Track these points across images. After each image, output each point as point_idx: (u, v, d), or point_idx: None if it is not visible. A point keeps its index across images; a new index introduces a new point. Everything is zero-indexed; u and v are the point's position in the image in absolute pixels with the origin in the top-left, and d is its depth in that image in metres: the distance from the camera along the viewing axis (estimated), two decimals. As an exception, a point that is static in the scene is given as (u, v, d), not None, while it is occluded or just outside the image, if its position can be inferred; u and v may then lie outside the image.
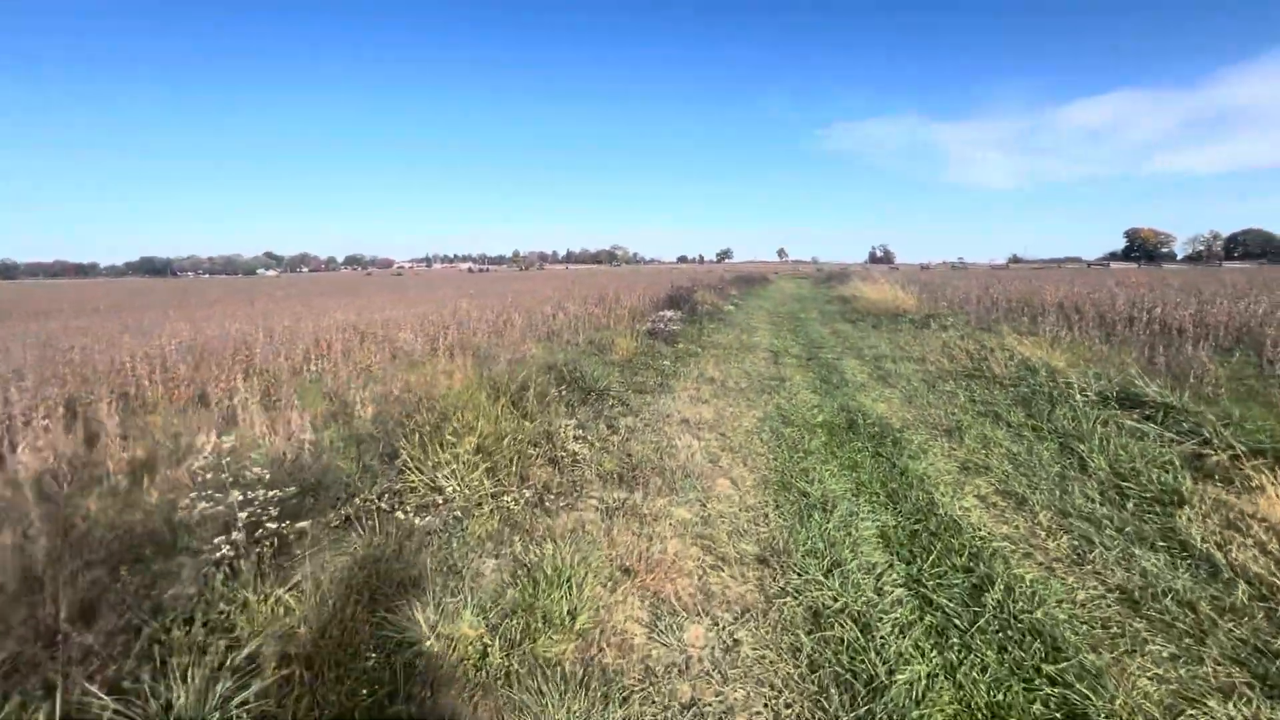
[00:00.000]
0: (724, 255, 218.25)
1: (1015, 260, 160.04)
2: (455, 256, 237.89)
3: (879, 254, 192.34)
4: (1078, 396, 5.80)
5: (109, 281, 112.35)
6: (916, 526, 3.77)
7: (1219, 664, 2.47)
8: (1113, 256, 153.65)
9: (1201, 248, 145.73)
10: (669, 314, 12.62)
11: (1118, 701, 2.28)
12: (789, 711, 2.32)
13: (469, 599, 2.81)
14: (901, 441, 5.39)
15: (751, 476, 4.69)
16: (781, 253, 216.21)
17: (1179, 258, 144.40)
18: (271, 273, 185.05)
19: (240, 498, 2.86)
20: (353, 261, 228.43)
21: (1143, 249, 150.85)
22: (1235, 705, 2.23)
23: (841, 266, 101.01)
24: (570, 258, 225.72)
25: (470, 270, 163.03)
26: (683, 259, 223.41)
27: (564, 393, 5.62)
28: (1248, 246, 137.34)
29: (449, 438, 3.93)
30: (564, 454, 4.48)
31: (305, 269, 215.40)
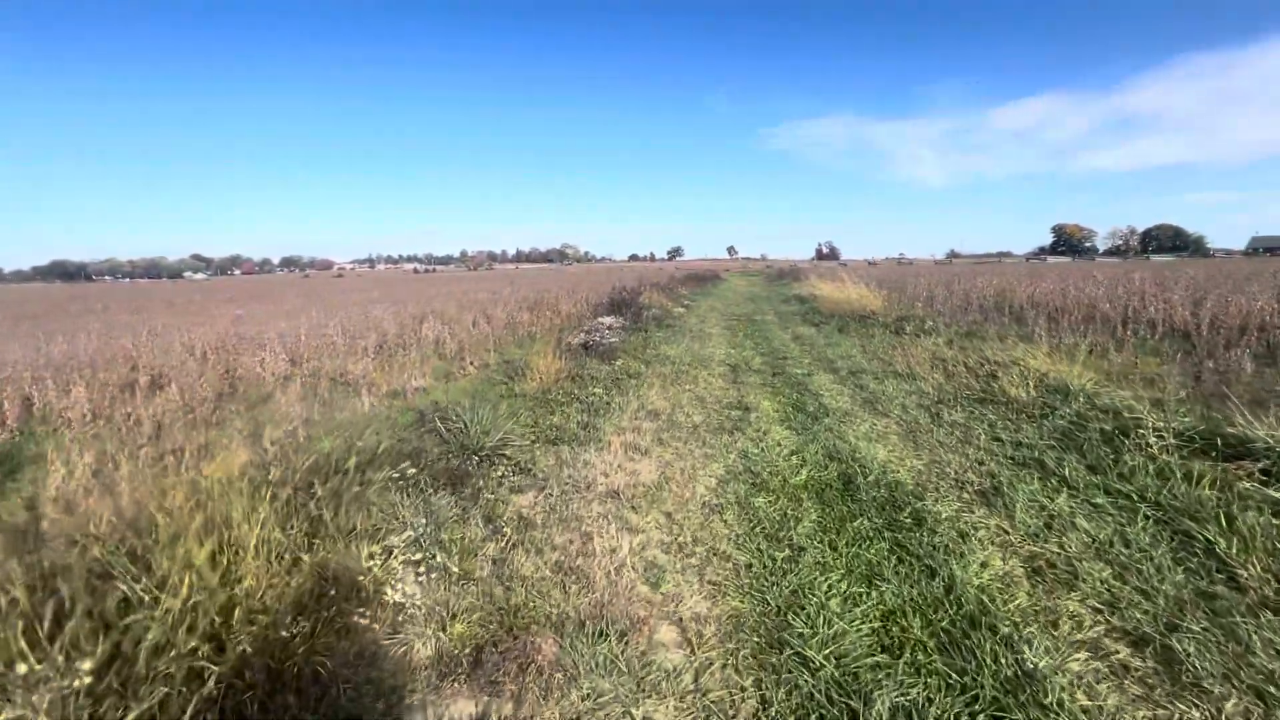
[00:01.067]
0: (675, 253, 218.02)
1: (953, 255, 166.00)
2: (401, 257, 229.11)
3: (825, 250, 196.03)
4: (1150, 439, 4.23)
5: None
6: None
7: None
8: (1042, 250, 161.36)
9: (1120, 242, 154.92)
10: (609, 321, 10.74)
11: None
12: None
13: None
14: (925, 517, 3.67)
15: (715, 611, 2.84)
16: (731, 250, 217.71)
17: (1101, 251, 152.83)
18: (199, 276, 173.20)
19: None
20: (290, 263, 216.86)
21: (1069, 243, 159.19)
22: None
23: (791, 263, 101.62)
24: (520, 257, 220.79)
25: (415, 271, 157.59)
26: (634, 257, 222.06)
27: (417, 470, 3.55)
28: (1160, 241, 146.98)
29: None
30: (370, 617, 2.45)
31: (237, 271, 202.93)
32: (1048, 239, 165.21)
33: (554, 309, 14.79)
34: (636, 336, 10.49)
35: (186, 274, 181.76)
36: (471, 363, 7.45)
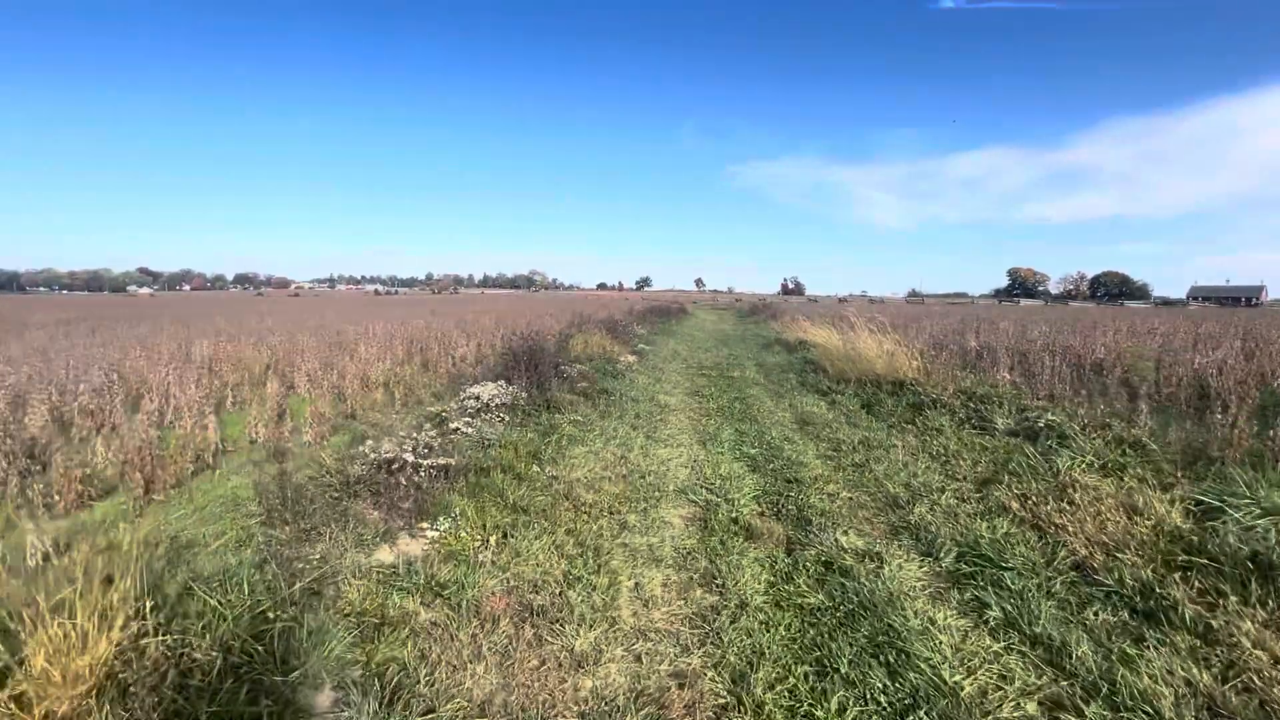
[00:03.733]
0: (643, 283, 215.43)
1: (914, 294, 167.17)
2: (364, 278, 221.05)
3: (790, 285, 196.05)
4: None
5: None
6: None
7: None
8: (998, 293, 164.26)
9: (1071, 287, 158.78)
10: (491, 392, 6.25)
11: None
12: None
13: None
14: None
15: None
16: (699, 282, 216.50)
17: (1054, 295, 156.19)
18: (144, 290, 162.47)
19: None
20: (244, 280, 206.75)
21: (1023, 286, 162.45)
22: None
23: (761, 298, 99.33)
24: (487, 282, 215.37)
25: (376, 293, 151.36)
26: (603, 286, 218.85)
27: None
28: (1108, 287, 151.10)
29: None
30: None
31: (186, 286, 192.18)
32: (1002, 281, 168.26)
33: (449, 349, 10.32)
34: (531, 426, 6.03)
35: (131, 288, 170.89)
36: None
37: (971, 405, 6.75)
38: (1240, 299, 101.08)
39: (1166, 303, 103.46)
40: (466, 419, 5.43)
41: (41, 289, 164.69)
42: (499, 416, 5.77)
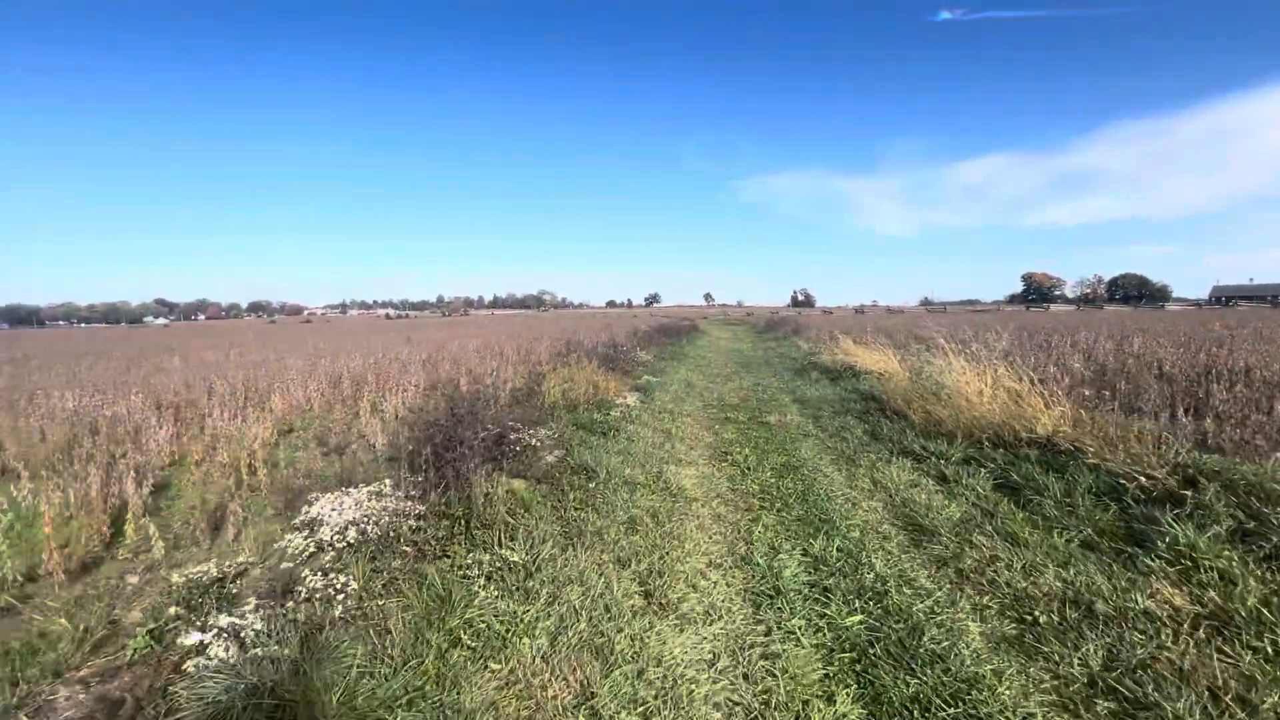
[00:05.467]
0: (652, 299, 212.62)
1: (928, 302, 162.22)
2: (375, 302, 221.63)
3: (800, 297, 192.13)
4: None
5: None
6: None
7: None
8: (1012, 299, 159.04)
9: (1088, 290, 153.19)
10: (356, 513, 3.41)
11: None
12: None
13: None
14: None
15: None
16: (708, 297, 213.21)
17: (1070, 299, 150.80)
18: (161, 321, 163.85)
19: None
20: (257, 308, 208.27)
21: (1039, 291, 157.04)
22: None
23: (773, 311, 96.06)
24: (498, 303, 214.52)
25: (388, 317, 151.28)
26: (612, 303, 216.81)
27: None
28: (1126, 289, 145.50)
29: None
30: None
31: (201, 316, 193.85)
32: (1015, 287, 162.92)
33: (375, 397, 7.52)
34: (408, 594, 3.11)
35: (148, 319, 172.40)
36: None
37: (1237, 500, 3.73)
38: (1266, 297, 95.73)
39: (1220, 301, 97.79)
40: (260, 600, 2.57)
41: (61, 322, 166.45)
42: (357, 570, 2.93)
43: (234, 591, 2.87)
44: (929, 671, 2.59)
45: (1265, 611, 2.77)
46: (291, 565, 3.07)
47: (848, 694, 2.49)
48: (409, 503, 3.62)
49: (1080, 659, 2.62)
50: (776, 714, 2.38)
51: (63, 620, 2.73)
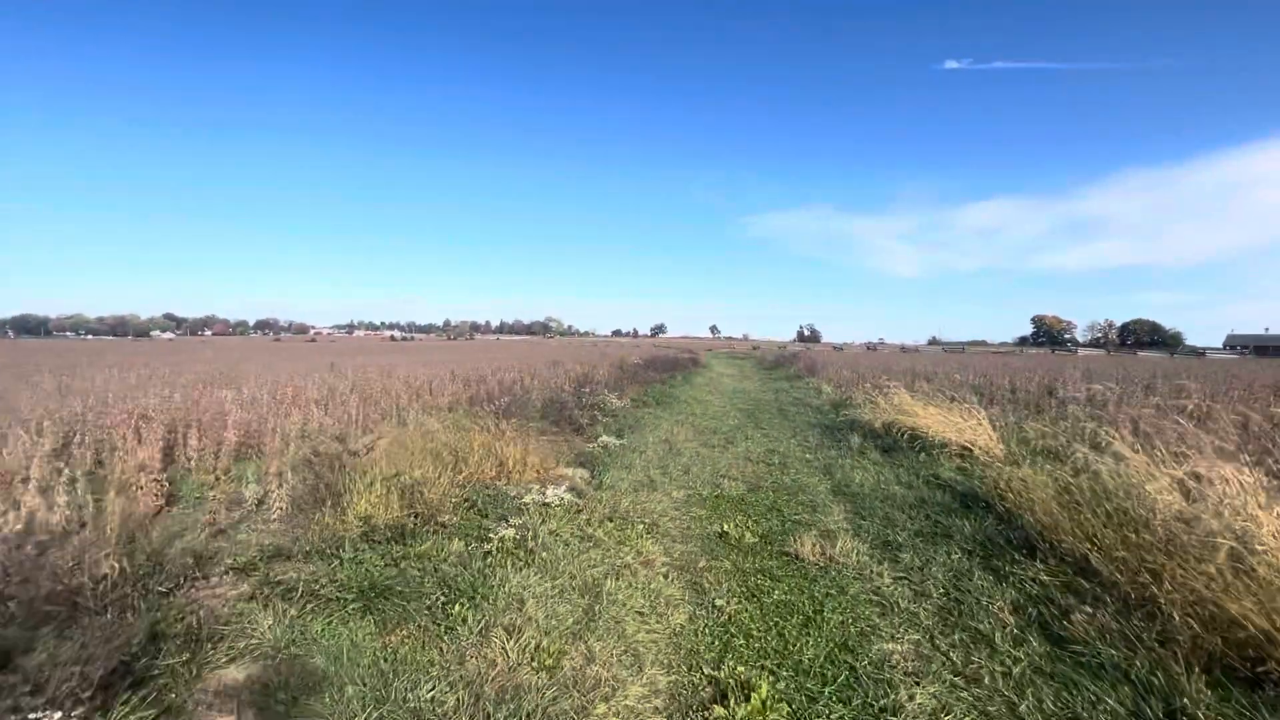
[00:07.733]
0: (658, 329, 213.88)
1: (935, 342, 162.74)
2: (382, 324, 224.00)
3: (806, 333, 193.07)
4: None
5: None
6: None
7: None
8: (1022, 341, 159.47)
9: (1100, 335, 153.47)
10: None
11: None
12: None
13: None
14: None
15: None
16: (714, 329, 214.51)
17: (1082, 343, 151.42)
18: (168, 335, 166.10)
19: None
20: (264, 326, 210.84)
21: (1049, 334, 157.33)
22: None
23: (781, 345, 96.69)
24: (504, 328, 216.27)
25: (394, 338, 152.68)
26: (618, 332, 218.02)
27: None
28: (1138, 335, 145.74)
29: None
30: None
31: (208, 332, 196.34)
32: (1022, 329, 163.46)
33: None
34: None
35: (155, 333, 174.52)
36: None
37: None
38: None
39: (1261, 349, 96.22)
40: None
41: (69, 333, 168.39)
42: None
43: None
44: None
45: None
46: None
47: None
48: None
49: None
50: None
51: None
